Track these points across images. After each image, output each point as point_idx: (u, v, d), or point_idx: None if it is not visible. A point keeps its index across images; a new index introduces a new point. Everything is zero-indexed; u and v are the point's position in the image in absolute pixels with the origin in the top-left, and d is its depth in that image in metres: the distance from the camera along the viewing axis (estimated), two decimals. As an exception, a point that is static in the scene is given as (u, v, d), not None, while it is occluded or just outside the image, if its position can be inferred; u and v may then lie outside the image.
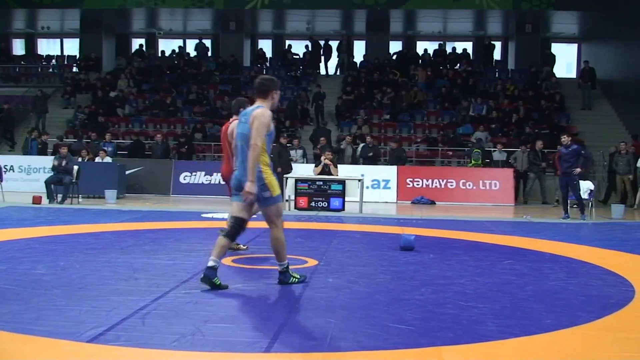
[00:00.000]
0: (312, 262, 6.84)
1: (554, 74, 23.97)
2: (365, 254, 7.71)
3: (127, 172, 16.70)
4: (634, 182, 16.73)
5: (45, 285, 5.41)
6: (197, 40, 26.39)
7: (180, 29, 27.40)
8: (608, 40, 24.03)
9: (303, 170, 15.88)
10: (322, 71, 25.30)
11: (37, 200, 13.28)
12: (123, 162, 17.08)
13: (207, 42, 26.95)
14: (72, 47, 27.93)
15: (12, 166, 17.38)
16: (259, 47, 27.40)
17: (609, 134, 20.30)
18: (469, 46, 26.85)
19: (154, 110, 22.26)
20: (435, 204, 16.34)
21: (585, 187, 13.44)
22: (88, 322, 4.30)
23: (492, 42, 26.01)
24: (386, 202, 16.50)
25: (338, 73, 25.33)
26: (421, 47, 26.73)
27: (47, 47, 28.89)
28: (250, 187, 5.30)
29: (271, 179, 5.45)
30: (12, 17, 26.01)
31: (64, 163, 13.93)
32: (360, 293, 5.48)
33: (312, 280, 5.90)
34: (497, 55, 26.63)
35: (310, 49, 24.97)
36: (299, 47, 25.63)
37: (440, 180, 16.98)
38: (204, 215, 11.91)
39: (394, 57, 24.95)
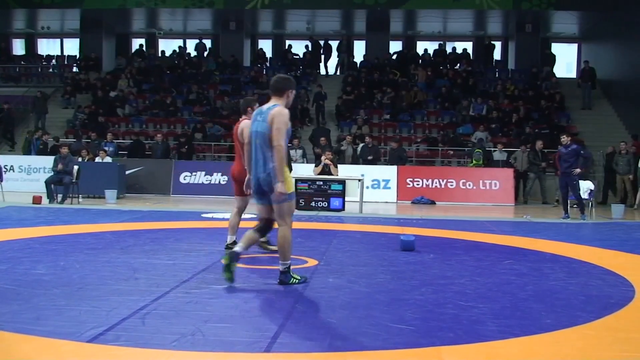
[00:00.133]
0: (312, 262, 6.84)
1: (554, 73, 23.97)
2: (365, 254, 7.70)
3: (127, 172, 16.70)
4: (634, 182, 16.73)
5: (45, 285, 5.41)
6: (197, 40, 26.40)
7: (180, 29, 27.41)
8: (608, 40, 24.03)
9: (303, 170, 15.88)
10: (322, 71, 25.31)
11: (37, 200, 13.28)
12: (123, 162, 17.09)
13: (207, 42, 26.95)
14: (72, 47, 27.94)
15: (12, 166, 17.38)
16: (259, 47, 27.40)
17: (609, 134, 20.30)
18: (469, 46, 26.85)
19: (154, 110, 22.26)
20: (435, 203, 16.34)
21: (585, 187, 13.44)
22: (88, 322, 4.30)
23: (492, 42, 26.02)
24: (386, 202, 16.50)
25: (338, 73, 25.34)
26: (421, 47, 26.74)
27: (47, 47, 28.90)
28: (281, 187, 5.41)
29: (287, 176, 5.52)
30: (12, 17, 26.01)
31: (62, 166, 13.90)
32: (360, 293, 5.48)
33: (312, 280, 5.89)
34: (497, 55, 26.64)
35: (310, 49, 24.97)
36: (299, 47, 25.63)
37: (440, 180, 16.98)
38: (204, 215, 11.92)
39: (394, 57, 24.95)
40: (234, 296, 5.21)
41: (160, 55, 26.61)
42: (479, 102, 21.47)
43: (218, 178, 17.20)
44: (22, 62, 27.40)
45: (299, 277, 5.74)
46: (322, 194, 13.48)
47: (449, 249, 8.23)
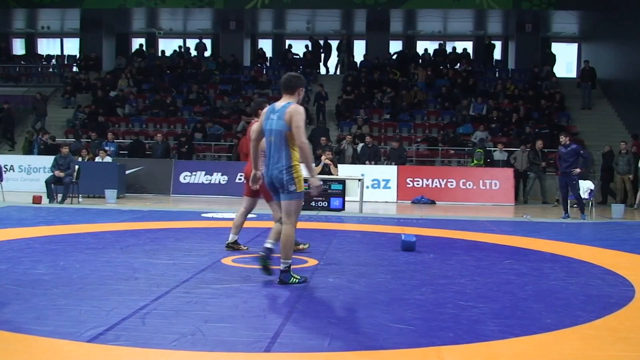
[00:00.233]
0: (312, 262, 6.84)
1: (554, 73, 23.97)
2: (365, 253, 7.71)
3: (127, 172, 16.70)
4: (634, 182, 16.73)
5: (45, 285, 5.40)
6: (197, 40, 26.40)
7: (180, 28, 27.41)
8: (608, 40, 24.02)
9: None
10: (322, 71, 25.30)
11: (37, 200, 13.29)
12: (123, 161, 17.09)
13: (207, 42, 26.96)
14: (72, 46, 27.94)
15: (12, 166, 17.39)
16: (259, 46, 27.41)
17: (609, 134, 20.31)
18: (469, 46, 26.85)
19: (154, 110, 22.27)
20: (435, 203, 16.34)
21: (585, 186, 13.43)
22: (88, 322, 4.30)
23: (492, 42, 26.01)
24: (386, 202, 16.50)
25: (338, 73, 25.34)
26: (421, 46, 26.73)
27: (47, 46, 28.90)
28: (316, 181, 5.68)
29: (300, 175, 5.62)
30: (12, 16, 26.02)
31: (60, 172, 13.89)
32: (360, 293, 5.48)
33: (312, 280, 5.90)
34: (497, 55, 26.64)
35: (310, 48, 24.97)
36: (299, 47, 25.63)
37: (441, 180, 16.98)
38: (204, 215, 11.92)
39: (394, 56, 24.95)
40: (234, 296, 5.20)
41: (160, 55, 26.61)
42: (479, 102, 21.47)
43: (218, 178, 17.21)
44: (22, 62, 27.41)
45: (299, 277, 5.74)
46: (322, 194, 13.48)
47: (449, 248, 8.23)
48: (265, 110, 5.83)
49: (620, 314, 4.95)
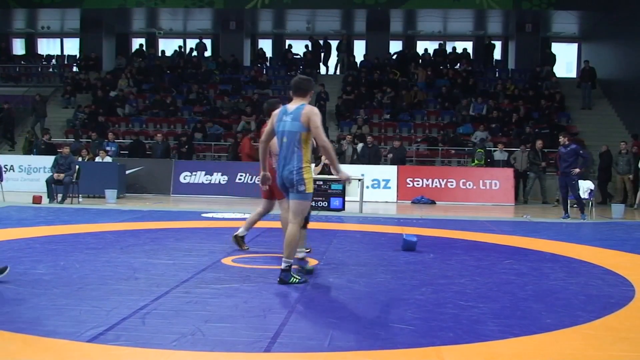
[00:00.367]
0: (312, 262, 6.83)
1: (554, 73, 23.97)
2: (365, 253, 7.71)
3: (127, 172, 16.70)
4: (634, 182, 16.73)
5: (45, 285, 5.41)
6: (197, 40, 26.40)
7: (180, 28, 27.40)
8: (608, 40, 24.02)
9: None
10: (322, 71, 25.30)
11: (37, 200, 13.29)
12: (123, 161, 17.08)
13: (207, 42, 26.95)
14: (72, 46, 27.94)
15: (12, 166, 17.39)
16: (259, 46, 27.41)
17: (609, 134, 20.31)
18: (469, 46, 26.84)
19: (154, 110, 22.27)
20: (435, 203, 16.34)
21: (585, 186, 13.43)
22: (88, 322, 4.30)
23: (492, 42, 26.00)
24: (386, 202, 16.50)
25: (338, 73, 25.34)
26: (421, 46, 26.73)
27: (47, 46, 28.89)
28: (344, 174, 5.87)
29: (309, 176, 5.70)
30: (12, 16, 26.01)
31: (60, 174, 13.88)
32: (360, 293, 5.48)
33: (312, 280, 5.90)
34: (497, 55, 26.63)
35: (310, 48, 24.97)
36: (299, 47, 25.63)
37: (441, 180, 16.98)
38: (204, 215, 11.92)
39: (394, 56, 24.95)
40: (234, 296, 5.20)
41: (160, 55, 26.61)
42: (479, 102, 21.47)
43: (218, 178, 17.20)
44: (22, 62, 27.40)
45: (299, 277, 5.75)
46: (322, 194, 13.47)
47: (449, 248, 8.23)
48: (276, 112, 5.90)
49: (620, 314, 4.95)
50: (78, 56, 26.61)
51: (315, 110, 5.69)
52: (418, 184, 16.96)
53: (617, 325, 4.62)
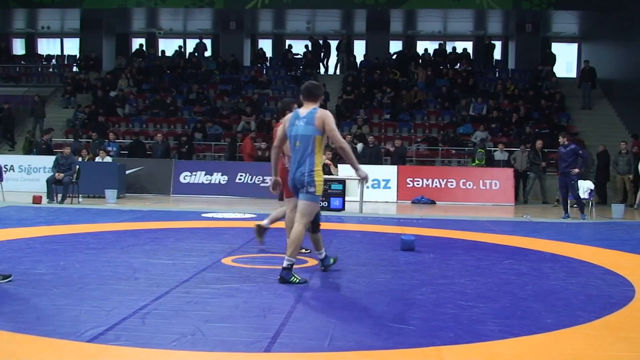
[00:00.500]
0: (312, 262, 6.84)
1: (554, 73, 23.97)
2: (365, 253, 7.71)
3: (127, 172, 16.70)
4: (634, 182, 16.72)
5: (46, 285, 5.41)
6: (197, 40, 26.40)
7: (180, 28, 27.41)
8: (608, 40, 24.02)
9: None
10: (322, 71, 25.30)
11: (37, 200, 13.28)
12: (123, 161, 17.08)
13: (207, 42, 26.95)
14: (72, 46, 27.93)
15: (12, 166, 17.38)
16: (259, 46, 27.40)
17: (609, 134, 20.30)
18: (469, 46, 26.84)
19: (154, 110, 22.26)
20: (435, 203, 16.33)
21: (585, 186, 13.42)
22: (88, 322, 4.31)
23: (492, 42, 26.00)
24: (386, 202, 16.50)
25: (337, 73, 25.34)
26: (421, 46, 26.72)
27: (47, 46, 28.89)
28: (363, 172, 6.02)
29: (321, 179, 5.82)
30: (12, 16, 26.01)
31: (60, 174, 13.87)
32: (360, 293, 5.48)
33: (312, 280, 5.90)
34: (497, 55, 26.62)
35: (310, 48, 24.97)
36: (299, 47, 25.63)
37: (441, 180, 16.97)
38: (204, 215, 11.91)
39: (394, 56, 24.94)
40: (234, 296, 5.20)
41: (160, 55, 26.61)
42: (479, 102, 21.47)
43: (218, 178, 17.21)
44: (22, 62, 27.39)
45: (299, 278, 5.75)
46: (322, 194, 13.45)
47: (449, 248, 8.24)
48: (288, 117, 6.00)
49: (620, 314, 4.95)
50: (78, 56, 26.61)
51: (329, 113, 5.83)
52: (418, 184, 16.96)
53: (617, 325, 4.62)
